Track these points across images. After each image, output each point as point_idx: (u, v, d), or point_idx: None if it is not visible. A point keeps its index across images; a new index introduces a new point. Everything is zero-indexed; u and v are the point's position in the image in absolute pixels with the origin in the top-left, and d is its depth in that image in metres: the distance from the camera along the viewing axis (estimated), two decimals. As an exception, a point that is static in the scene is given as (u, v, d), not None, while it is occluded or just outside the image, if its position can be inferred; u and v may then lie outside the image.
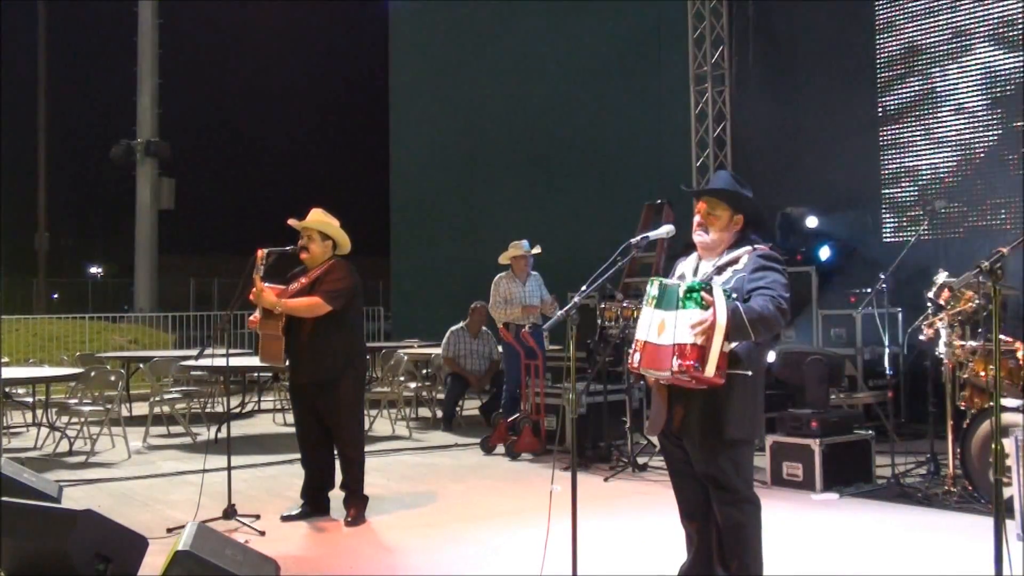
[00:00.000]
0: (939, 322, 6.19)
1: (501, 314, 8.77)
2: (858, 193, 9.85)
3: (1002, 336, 5.61)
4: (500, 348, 9.85)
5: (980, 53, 8.93)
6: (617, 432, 7.92)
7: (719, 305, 3.49)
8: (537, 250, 8.82)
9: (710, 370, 3.49)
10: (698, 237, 3.89)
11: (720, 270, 3.79)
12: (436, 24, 15.58)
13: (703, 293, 3.51)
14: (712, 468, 3.71)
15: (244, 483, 7.07)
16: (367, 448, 6.26)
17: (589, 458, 7.58)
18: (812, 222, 9.28)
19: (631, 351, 3.71)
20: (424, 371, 11.31)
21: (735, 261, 3.78)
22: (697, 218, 3.90)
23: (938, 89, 9.25)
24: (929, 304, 6.29)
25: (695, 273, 3.87)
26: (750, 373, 3.69)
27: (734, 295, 3.63)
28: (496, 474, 7.57)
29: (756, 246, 3.82)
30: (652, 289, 3.68)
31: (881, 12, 9.69)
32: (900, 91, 9.55)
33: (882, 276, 6.93)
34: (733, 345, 3.60)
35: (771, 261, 3.75)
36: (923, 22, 9.37)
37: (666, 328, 3.54)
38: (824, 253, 9.09)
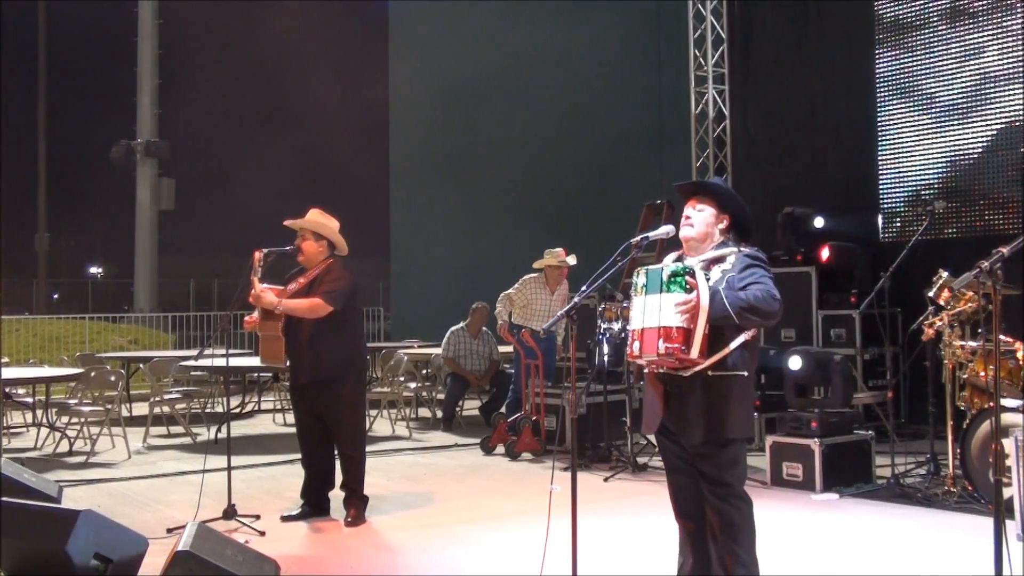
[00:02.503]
0: (939, 322, 6.19)
1: (497, 310, 8.77)
2: (858, 193, 9.85)
3: (1002, 336, 5.61)
4: (505, 348, 9.87)
5: (979, 53, 8.92)
6: (617, 432, 7.92)
7: (702, 288, 3.58)
8: (572, 260, 8.77)
9: (695, 352, 3.56)
10: (683, 232, 3.94)
11: (707, 267, 3.81)
12: (436, 24, 15.58)
13: (687, 277, 3.58)
14: (710, 466, 3.74)
15: (244, 483, 7.07)
16: (367, 448, 6.26)
17: (589, 458, 7.58)
18: (819, 222, 9.28)
19: (629, 341, 3.75)
20: (424, 371, 11.31)
21: (722, 259, 3.82)
22: (685, 211, 3.95)
23: (937, 88, 9.25)
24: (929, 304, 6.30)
25: None
26: (745, 374, 3.76)
27: (723, 288, 3.68)
28: (496, 474, 7.57)
29: (742, 247, 3.86)
30: (639, 279, 3.76)
31: (880, 11, 9.68)
32: (899, 90, 9.54)
33: (882, 276, 6.93)
34: (732, 347, 3.64)
35: (759, 261, 3.81)
36: (923, 22, 9.36)
37: (653, 311, 3.60)
38: (824, 253, 9.08)
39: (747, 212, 3.95)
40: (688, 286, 3.57)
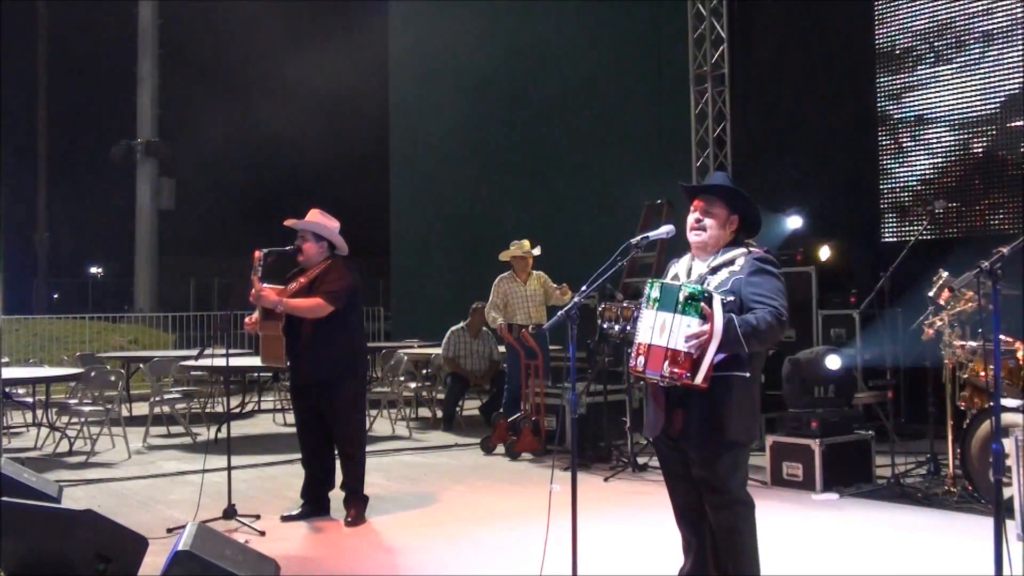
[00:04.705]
0: (939, 322, 6.19)
1: (490, 318, 8.79)
2: (858, 193, 9.85)
3: (1002, 336, 5.61)
4: (503, 348, 9.86)
5: (979, 52, 8.93)
6: (617, 432, 7.93)
7: (717, 319, 3.48)
8: (537, 251, 8.84)
9: (699, 379, 3.51)
10: (694, 236, 3.85)
11: (715, 270, 3.76)
12: (436, 24, 15.57)
13: (703, 304, 3.50)
14: (709, 471, 3.69)
15: (244, 483, 7.07)
16: (367, 448, 6.26)
17: (589, 458, 7.58)
18: (796, 222, 9.27)
19: (633, 354, 3.69)
20: (424, 371, 11.31)
21: (731, 262, 3.75)
22: (694, 216, 3.86)
23: (937, 88, 9.25)
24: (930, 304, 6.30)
25: (689, 274, 3.84)
26: (748, 375, 3.69)
27: (731, 297, 3.62)
28: (496, 474, 7.57)
29: (752, 248, 3.79)
30: (652, 292, 3.66)
31: (880, 11, 9.68)
32: (899, 91, 9.54)
33: (882, 276, 6.93)
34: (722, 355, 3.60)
35: (768, 265, 3.72)
36: (922, 21, 9.37)
37: (663, 330, 3.55)
38: (824, 253, 9.08)
39: (756, 209, 3.88)
40: (704, 314, 3.48)
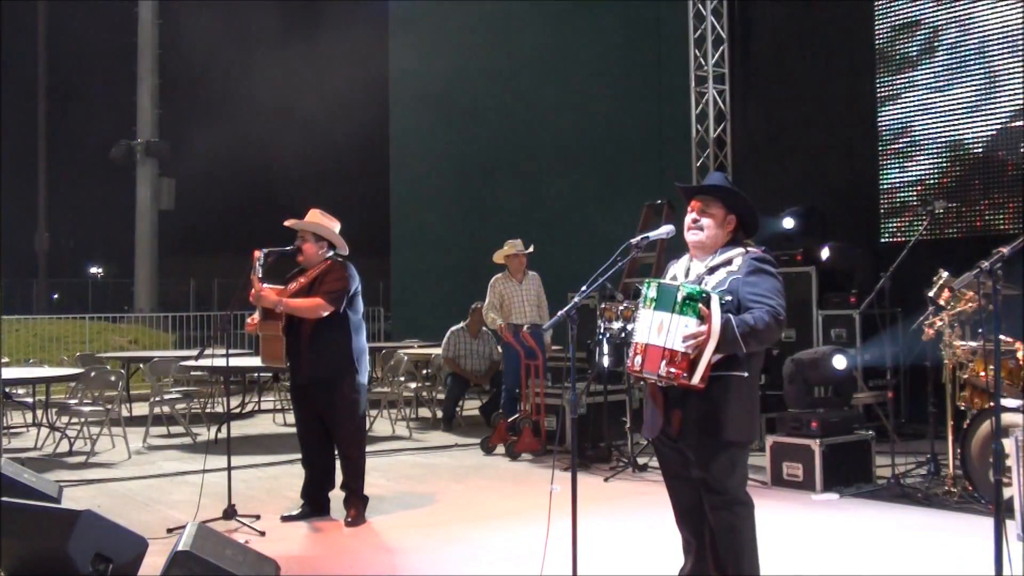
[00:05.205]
0: (939, 322, 6.19)
1: (489, 319, 8.79)
2: (858, 193, 9.85)
3: (1002, 336, 5.61)
4: (500, 348, 9.87)
5: (979, 52, 8.93)
6: (617, 432, 7.93)
7: (715, 320, 3.48)
8: (530, 249, 8.85)
9: (696, 379, 3.52)
10: (692, 236, 3.84)
11: (712, 270, 3.76)
12: (436, 24, 15.58)
13: (701, 305, 3.50)
14: (708, 471, 3.69)
15: (244, 483, 7.07)
16: (367, 448, 6.26)
17: (589, 458, 7.58)
18: (789, 223, 9.27)
19: (631, 354, 3.69)
20: (424, 371, 11.31)
21: (728, 262, 3.75)
22: (691, 216, 3.86)
23: (937, 88, 9.25)
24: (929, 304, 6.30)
25: (687, 274, 3.84)
26: (746, 375, 3.68)
27: (728, 297, 3.62)
28: (496, 474, 7.57)
29: (749, 248, 3.79)
30: (649, 291, 3.66)
31: (880, 11, 9.68)
32: (899, 91, 9.54)
33: (882, 276, 6.93)
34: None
35: (766, 264, 3.72)
36: (922, 21, 9.36)
37: (660, 330, 3.55)
38: (824, 253, 9.08)
39: (753, 209, 3.87)
40: (702, 314, 3.48)
